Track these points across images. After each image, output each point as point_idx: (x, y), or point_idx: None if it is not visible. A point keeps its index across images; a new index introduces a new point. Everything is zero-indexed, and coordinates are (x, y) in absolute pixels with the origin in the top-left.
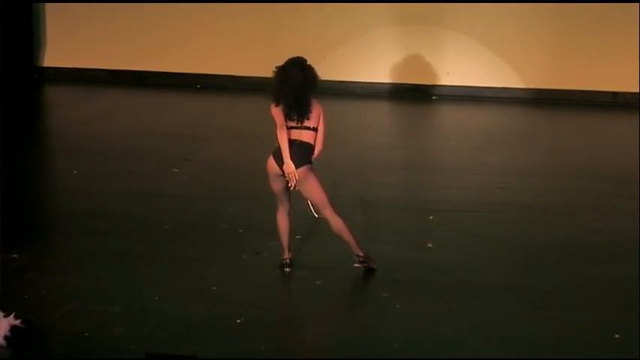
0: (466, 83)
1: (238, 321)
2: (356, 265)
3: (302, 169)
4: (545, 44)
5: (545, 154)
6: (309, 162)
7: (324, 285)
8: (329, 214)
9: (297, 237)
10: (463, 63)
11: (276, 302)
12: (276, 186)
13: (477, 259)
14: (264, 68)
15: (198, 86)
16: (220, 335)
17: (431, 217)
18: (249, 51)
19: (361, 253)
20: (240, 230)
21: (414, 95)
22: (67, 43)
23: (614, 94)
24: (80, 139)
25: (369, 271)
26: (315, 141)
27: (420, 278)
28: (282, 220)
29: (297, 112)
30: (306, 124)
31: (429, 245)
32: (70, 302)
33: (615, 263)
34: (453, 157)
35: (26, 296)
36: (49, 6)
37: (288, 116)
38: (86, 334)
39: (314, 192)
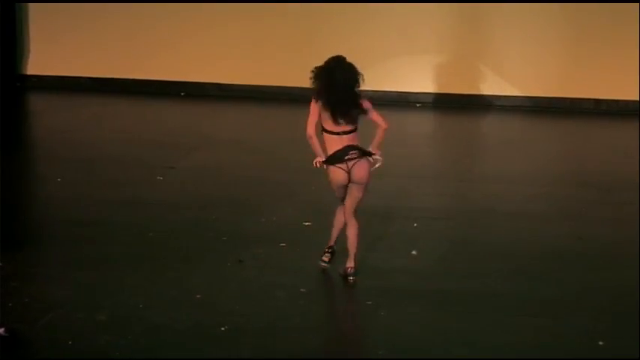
0: (450, 90)
1: (222, 329)
2: (342, 273)
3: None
4: (529, 52)
5: (528, 162)
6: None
7: (308, 292)
8: (353, 216)
9: (282, 245)
10: (448, 70)
11: (261, 310)
12: (341, 193)
13: (462, 267)
14: (249, 76)
15: (182, 94)
16: (205, 343)
17: (415, 225)
18: (234, 59)
19: (352, 265)
20: (225, 238)
21: (398, 103)
22: (50, 50)
23: (597, 101)
24: (64, 147)
25: (345, 278)
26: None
27: (405, 285)
28: (340, 216)
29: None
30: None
31: (414, 252)
32: (54, 310)
33: (598, 270)
34: (437, 164)
35: (10, 304)
36: (32, 13)
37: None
38: (70, 343)
39: (363, 189)
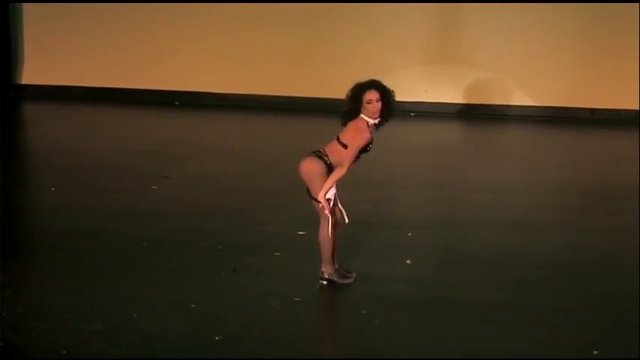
0: (444, 100)
1: (217, 338)
2: (321, 280)
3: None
4: (524, 61)
5: (523, 171)
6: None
7: (302, 302)
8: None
9: (277, 254)
10: (441, 80)
11: (255, 319)
12: None
13: (456, 276)
14: (244, 85)
15: (176, 103)
16: (199, 352)
17: (409, 234)
18: (229, 68)
19: (323, 269)
20: (219, 247)
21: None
22: (44, 60)
23: (592, 110)
24: (58, 156)
25: (339, 285)
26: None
27: (399, 295)
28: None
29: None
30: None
31: (408, 262)
32: (49, 320)
33: (597, 280)
34: (433, 173)
35: (4, 314)
36: (26, 23)
37: None
38: (64, 352)
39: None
